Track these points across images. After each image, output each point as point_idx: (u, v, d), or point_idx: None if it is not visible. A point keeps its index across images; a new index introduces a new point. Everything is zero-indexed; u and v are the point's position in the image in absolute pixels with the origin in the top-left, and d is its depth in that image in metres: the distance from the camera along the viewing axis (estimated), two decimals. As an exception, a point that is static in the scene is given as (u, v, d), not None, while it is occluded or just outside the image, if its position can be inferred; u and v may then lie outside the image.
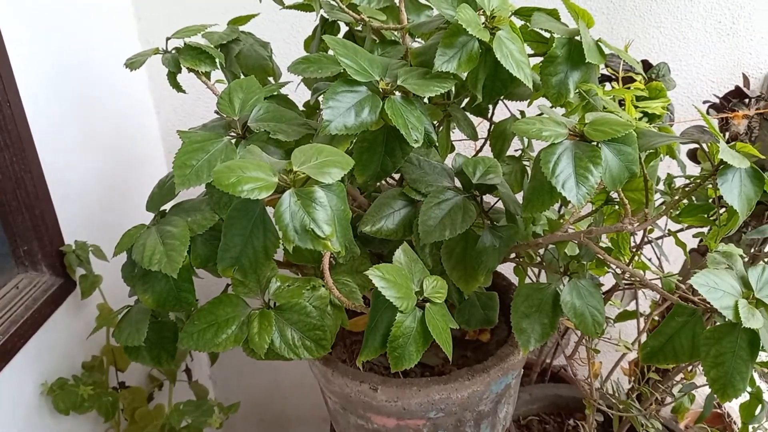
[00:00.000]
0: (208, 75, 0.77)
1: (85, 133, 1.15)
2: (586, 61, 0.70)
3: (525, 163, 0.90)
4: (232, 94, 0.68)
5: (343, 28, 1.02)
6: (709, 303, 0.57)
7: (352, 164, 0.49)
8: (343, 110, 0.61)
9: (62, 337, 1.05)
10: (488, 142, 0.91)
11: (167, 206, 0.71)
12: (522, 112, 0.93)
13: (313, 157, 0.48)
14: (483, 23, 0.65)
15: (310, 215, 0.44)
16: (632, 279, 0.77)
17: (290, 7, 0.98)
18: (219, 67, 0.76)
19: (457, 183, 0.75)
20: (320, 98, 0.63)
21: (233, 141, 0.66)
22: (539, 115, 0.75)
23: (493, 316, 0.84)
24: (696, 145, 1.06)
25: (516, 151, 0.96)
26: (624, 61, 0.92)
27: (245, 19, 1.08)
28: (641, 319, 1.04)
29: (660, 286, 0.65)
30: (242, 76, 1.07)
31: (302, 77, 0.92)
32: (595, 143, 0.57)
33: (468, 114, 0.94)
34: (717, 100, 1.22)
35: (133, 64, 0.74)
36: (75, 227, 1.08)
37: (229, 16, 1.01)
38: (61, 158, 1.07)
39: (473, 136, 0.89)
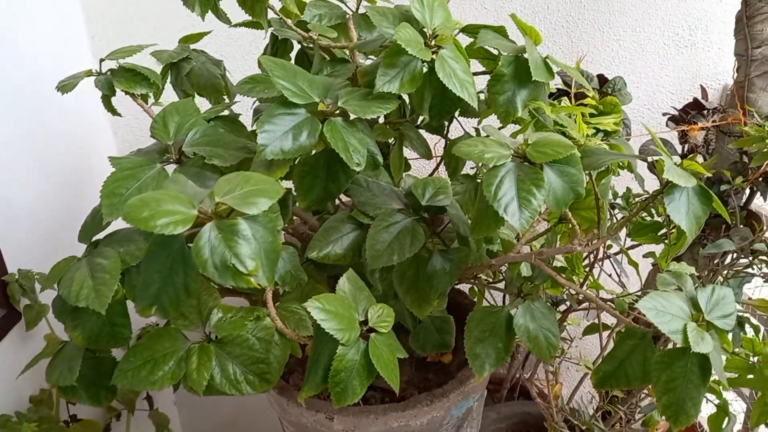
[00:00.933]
0: (144, 97, 0.74)
1: (34, 157, 1.11)
2: (533, 78, 0.69)
3: (479, 181, 0.88)
4: (167, 117, 0.65)
5: (297, 46, 1.00)
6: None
7: (282, 192, 0.47)
8: (279, 134, 0.58)
9: (6, 370, 1.00)
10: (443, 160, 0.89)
11: (101, 236, 0.67)
12: (477, 130, 0.91)
13: (239, 187, 0.45)
14: (425, 42, 0.64)
15: (231, 250, 0.42)
16: (585, 299, 0.76)
17: (237, 25, 0.96)
18: (169, 88, 0.73)
19: (407, 204, 0.73)
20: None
21: (168, 167, 0.63)
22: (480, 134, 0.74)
23: (449, 339, 0.82)
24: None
25: (471, 169, 0.94)
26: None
27: (197, 36, 1.06)
28: (606, 334, 1.02)
29: (613, 307, 0.64)
30: (196, 96, 1.05)
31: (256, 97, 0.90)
32: (537, 165, 0.56)
33: (424, 132, 0.92)
34: (676, 113, 1.23)
35: (65, 87, 0.71)
36: (19, 254, 1.03)
37: (185, 33, 0.99)
38: (6, 185, 1.02)
39: (427, 155, 0.87)
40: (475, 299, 1.02)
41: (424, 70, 0.65)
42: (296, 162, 0.61)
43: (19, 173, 1.07)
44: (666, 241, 0.64)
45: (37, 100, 1.13)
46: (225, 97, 1.02)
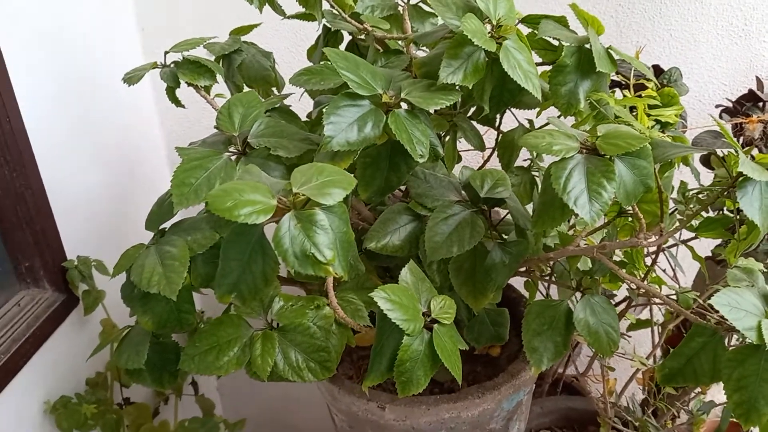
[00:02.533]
0: (207, 89, 0.75)
1: (89, 146, 1.14)
2: (597, 69, 0.68)
3: (534, 173, 0.87)
4: (232, 108, 0.66)
5: (347, 37, 1.00)
6: (729, 322, 0.55)
7: (354, 184, 0.47)
8: (345, 125, 0.59)
9: (65, 354, 1.04)
10: (495, 152, 0.88)
11: (167, 225, 0.69)
12: (530, 121, 0.90)
13: (314, 178, 0.46)
14: (489, 33, 0.63)
15: (310, 239, 0.42)
16: (647, 295, 0.75)
17: (291, 17, 0.97)
18: (220, 80, 0.74)
19: (465, 196, 0.73)
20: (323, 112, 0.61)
21: (233, 158, 0.64)
22: (545, 125, 0.73)
23: (503, 332, 0.81)
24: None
25: (525, 161, 0.93)
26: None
27: (247, 29, 1.07)
28: (655, 329, 1.01)
29: (676, 302, 0.62)
30: (245, 87, 1.06)
31: (304, 89, 0.90)
32: (608, 157, 0.55)
33: (474, 124, 0.92)
34: (730, 104, 1.19)
35: (131, 78, 0.72)
36: (77, 242, 1.07)
37: (232, 26, 1.00)
38: (64, 173, 1.05)
39: (480, 147, 0.87)
40: (521, 292, 1.01)
41: (486, 61, 0.65)
42: (359, 153, 0.61)
43: (75, 163, 1.10)
44: (735, 236, 0.62)
45: (90, 92, 1.16)
46: (273, 89, 1.03)
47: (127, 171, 1.28)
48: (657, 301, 0.71)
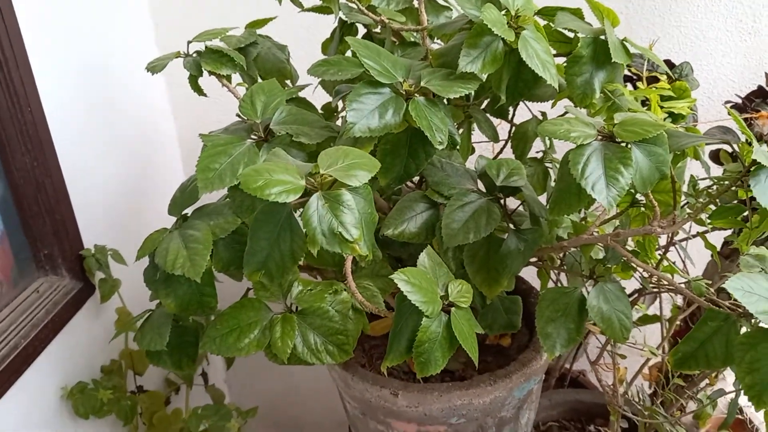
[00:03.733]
0: (229, 78, 0.76)
1: (105, 137, 1.16)
2: (612, 60, 0.69)
3: (547, 165, 0.88)
4: (254, 96, 0.67)
5: (361, 30, 1.02)
6: (742, 307, 0.56)
7: (378, 166, 0.49)
8: (366, 112, 0.60)
9: (82, 340, 1.05)
10: (509, 143, 0.90)
11: (188, 210, 0.70)
12: (543, 113, 0.92)
13: (339, 160, 0.47)
14: (507, 23, 0.64)
15: (338, 218, 0.44)
16: (660, 283, 0.76)
17: (308, 10, 0.98)
18: (240, 70, 0.75)
19: (480, 185, 0.74)
20: (344, 100, 0.63)
21: (255, 144, 0.66)
22: (563, 114, 0.74)
23: (516, 320, 0.83)
24: (719, 147, 1.04)
25: (537, 152, 0.94)
26: (647, 60, 0.90)
27: (263, 22, 1.08)
28: (664, 324, 1.02)
29: (688, 289, 0.64)
30: (260, 80, 1.07)
31: (319, 80, 0.91)
32: (624, 144, 0.56)
33: (488, 116, 0.93)
34: (739, 101, 1.20)
35: (154, 67, 0.74)
36: (94, 231, 1.08)
37: (244, 20, 1.01)
38: (82, 163, 1.07)
39: (494, 138, 0.88)
40: (531, 284, 1.02)
41: (504, 51, 0.66)
42: (379, 140, 0.62)
43: (93, 154, 1.12)
44: (747, 225, 0.63)
45: (106, 85, 1.17)
46: (288, 81, 1.05)
47: (141, 163, 1.30)
48: (670, 288, 0.72)
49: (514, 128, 0.88)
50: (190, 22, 1.36)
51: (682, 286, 0.65)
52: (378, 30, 0.97)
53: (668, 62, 1.06)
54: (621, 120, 0.57)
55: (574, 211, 0.60)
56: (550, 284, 1.02)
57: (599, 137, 0.58)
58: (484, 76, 0.69)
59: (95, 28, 1.14)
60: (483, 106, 0.92)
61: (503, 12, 0.66)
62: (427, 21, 0.93)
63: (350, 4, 0.92)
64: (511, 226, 0.72)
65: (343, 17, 0.96)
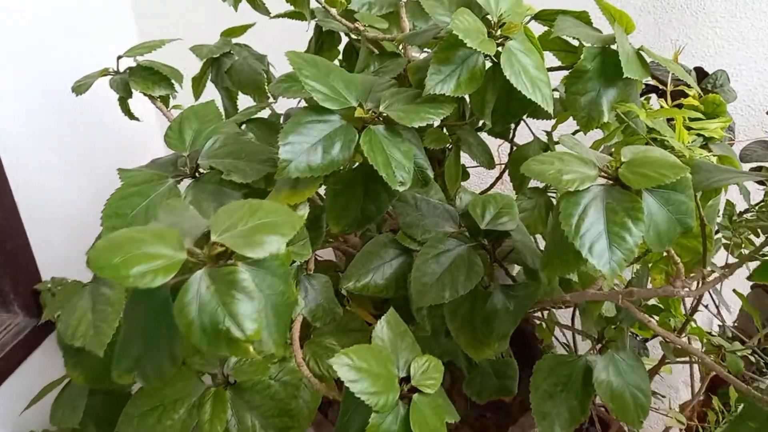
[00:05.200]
0: (165, 99, 0.65)
1: (74, 156, 1.06)
2: (624, 76, 0.55)
3: (551, 195, 0.75)
4: (184, 123, 0.56)
5: (346, 39, 0.90)
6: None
7: (299, 226, 0.37)
8: (307, 146, 0.48)
9: (38, 383, 0.95)
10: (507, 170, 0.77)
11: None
12: (548, 133, 0.78)
13: (243, 220, 0.36)
14: (488, 32, 0.52)
15: (226, 307, 0.32)
16: (685, 353, 0.62)
17: (278, 17, 0.87)
18: (176, 89, 0.64)
19: (462, 227, 0.61)
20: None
21: (186, 181, 0.54)
22: (574, 133, 0.61)
23: (511, 385, 0.69)
24: (760, 164, 0.89)
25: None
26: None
27: (240, 30, 0.98)
28: (692, 368, 0.87)
29: (721, 364, 0.50)
30: (240, 93, 0.97)
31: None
32: (633, 190, 0.43)
33: (486, 135, 0.80)
34: (785, 110, 1.05)
35: (79, 88, 0.63)
36: (54, 263, 0.99)
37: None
38: (37, 186, 0.97)
39: (489, 164, 0.75)
40: (536, 321, 0.88)
41: (487, 65, 0.53)
42: (328, 179, 0.50)
43: (55, 177, 1.02)
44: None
45: (77, 99, 1.08)
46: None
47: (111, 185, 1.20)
48: (697, 362, 0.58)
49: (512, 151, 0.75)
50: (177, 32, 1.26)
51: (713, 361, 0.51)
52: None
53: (700, 70, 0.91)
54: (630, 158, 0.44)
55: (571, 271, 0.46)
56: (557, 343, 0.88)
57: (602, 179, 0.44)
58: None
59: (77, 40, 1.04)
60: (479, 124, 0.79)
61: (484, 16, 0.53)
62: (412, 27, 0.81)
63: (331, 10, 0.80)
64: (499, 276, 0.59)
65: (320, 24, 0.84)
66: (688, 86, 0.78)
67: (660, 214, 0.43)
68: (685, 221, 0.43)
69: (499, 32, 0.52)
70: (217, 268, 0.33)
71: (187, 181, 0.54)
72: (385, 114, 0.51)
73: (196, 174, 0.54)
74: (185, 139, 0.55)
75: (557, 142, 0.76)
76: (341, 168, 0.49)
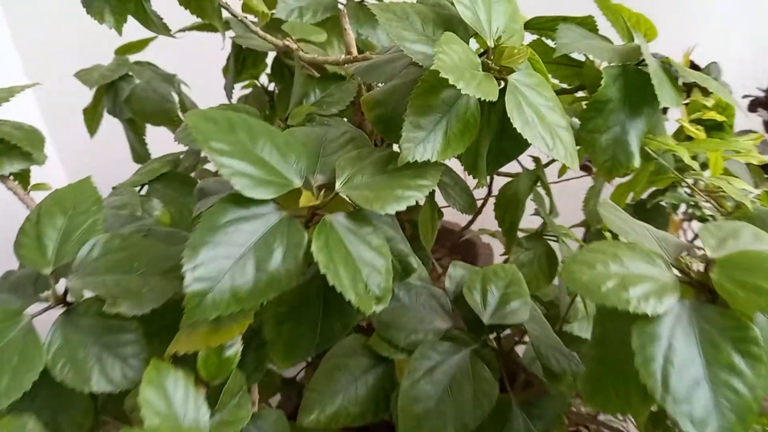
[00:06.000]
0: (24, 177, 0.46)
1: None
2: (657, 102, 0.41)
3: (550, 240, 0.60)
4: (44, 221, 0.37)
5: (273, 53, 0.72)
6: None
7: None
8: (229, 264, 0.31)
9: None
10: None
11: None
12: (536, 159, 0.63)
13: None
14: (482, 63, 0.35)
15: None
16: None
17: (185, 30, 0.69)
18: (38, 162, 0.44)
19: (458, 319, 0.45)
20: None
21: (53, 313, 0.36)
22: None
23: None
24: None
25: (532, 215, 0.66)
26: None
27: (139, 45, 0.79)
28: None
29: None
30: (146, 124, 0.79)
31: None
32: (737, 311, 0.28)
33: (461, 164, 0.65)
34: (761, 94, 0.96)
35: None
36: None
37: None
38: None
39: (470, 208, 0.59)
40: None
41: (478, 107, 0.38)
42: (265, 303, 0.33)
43: None
44: None
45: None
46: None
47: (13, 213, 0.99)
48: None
49: (498, 192, 0.60)
50: (62, 57, 1.05)
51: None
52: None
53: (691, 63, 0.79)
54: (723, 256, 0.29)
55: (633, 411, 0.32)
56: None
57: (683, 285, 0.29)
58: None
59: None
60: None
61: (472, 38, 0.37)
62: (358, 36, 0.64)
63: (244, 21, 0.62)
64: (518, 385, 0.44)
65: (237, 41, 0.66)
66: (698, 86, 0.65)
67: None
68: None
69: (495, 62, 0.36)
70: None
71: (54, 313, 0.36)
72: (345, 195, 0.34)
73: (66, 301, 0.36)
74: (46, 248, 0.36)
75: (546, 164, 0.62)
76: (285, 288, 0.32)
